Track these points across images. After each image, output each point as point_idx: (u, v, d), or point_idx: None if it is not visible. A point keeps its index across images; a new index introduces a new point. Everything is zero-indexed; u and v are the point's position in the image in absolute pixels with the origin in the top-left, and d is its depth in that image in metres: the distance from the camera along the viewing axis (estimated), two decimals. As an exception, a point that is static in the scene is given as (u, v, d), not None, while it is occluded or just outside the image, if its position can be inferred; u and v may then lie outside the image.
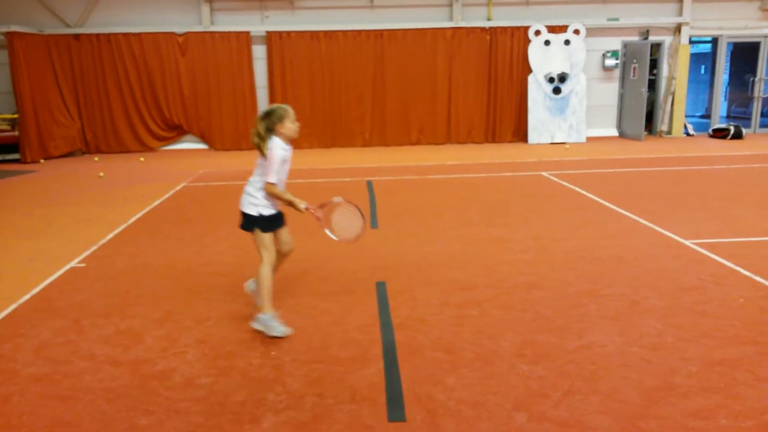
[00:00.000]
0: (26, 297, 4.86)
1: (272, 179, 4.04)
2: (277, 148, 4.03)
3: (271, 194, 4.11)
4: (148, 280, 5.23)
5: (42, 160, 13.17)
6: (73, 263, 5.74)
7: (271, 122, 4.05)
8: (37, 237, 6.78)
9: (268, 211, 4.15)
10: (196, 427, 3.01)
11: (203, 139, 14.70)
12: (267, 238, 4.16)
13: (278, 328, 4.03)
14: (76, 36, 13.86)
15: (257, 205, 4.12)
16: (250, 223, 4.17)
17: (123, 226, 7.11)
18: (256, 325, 4.10)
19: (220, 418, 3.08)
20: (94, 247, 6.26)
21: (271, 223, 4.20)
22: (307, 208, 4.14)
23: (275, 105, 4.15)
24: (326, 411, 3.12)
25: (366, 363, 3.63)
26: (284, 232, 4.34)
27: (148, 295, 4.87)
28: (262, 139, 4.05)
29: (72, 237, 6.72)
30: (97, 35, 13.89)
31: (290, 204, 4.13)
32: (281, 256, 4.37)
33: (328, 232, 4.36)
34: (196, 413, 3.13)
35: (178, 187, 9.60)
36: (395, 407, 3.13)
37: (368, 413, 3.09)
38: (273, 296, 4.12)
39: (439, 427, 2.95)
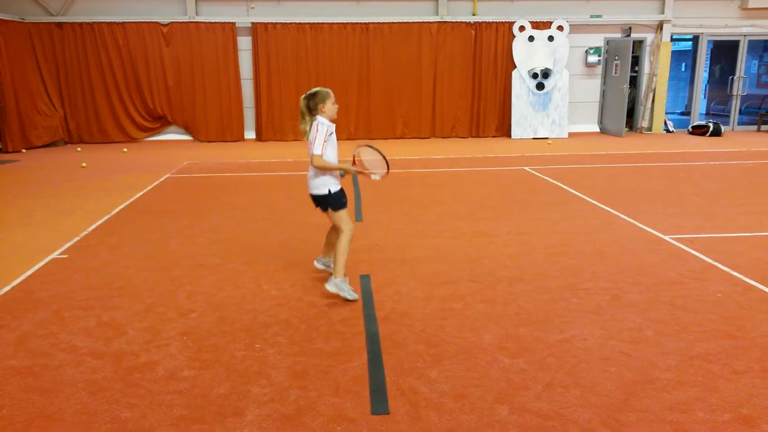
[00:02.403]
0: (7, 288, 4.81)
1: (318, 151, 4.32)
2: (323, 123, 4.37)
3: (319, 166, 4.39)
4: (130, 272, 5.20)
5: (24, 150, 12.98)
6: (55, 254, 5.68)
7: (314, 103, 4.37)
8: (19, 228, 6.70)
9: (335, 187, 4.49)
10: (179, 420, 3.01)
11: (187, 130, 14.59)
12: (342, 213, 4.51)
13: (350, 292, 4.47)
14: (59, 24, 13.66)
15: (325, 183, 4.46)
16: (322, 203, 4.54)
17: (106, 218, 7.05)
18: (330, 287, 4.47)
19: (203, 411, 3.08)
20: (77, 238, 6.20)
21: (342, 197, 4.53)
22: (354, 165, 4.55)
23: (318, 88, 4.46)
24: (310, 404, 3.14)
25: (350, 356, 3.65)
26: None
27: (131, 287, 4.84)
28: (306, 117, 4.42)
29: (54, 228, 6.65)
30: (81, 24, 13.70)
31: (341, 170, 4.50)
32: (335, 231, 4.69)
33: (374, 176, 4.62)
34: (180, 406, 3.13)
35: (161, 179, 9.53)
36: (378, 400, 3.16)
37: (352, 406, 3.11)
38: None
39: (422, 420, 2.98)
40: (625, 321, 4.11)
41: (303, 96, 4.43)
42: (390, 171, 4.63)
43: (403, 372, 3.45)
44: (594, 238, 6.05)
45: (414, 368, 3.49)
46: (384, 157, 4.61)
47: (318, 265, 4.99)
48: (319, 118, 4.38)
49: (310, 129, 4.40)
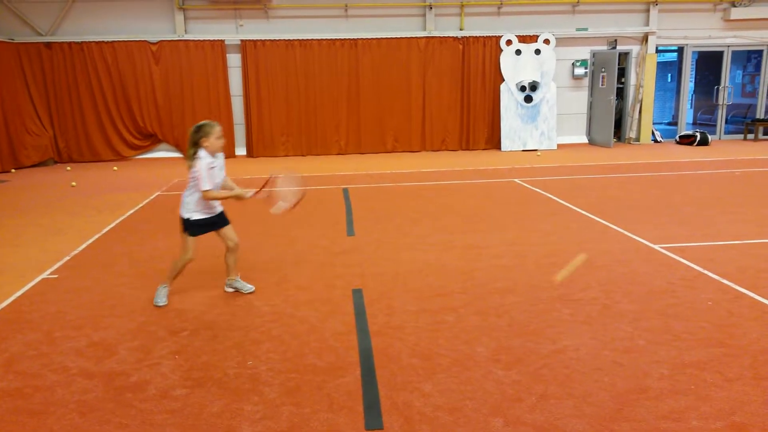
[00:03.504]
0: (-4, 310, 4.77)
1: (206, 186, 4.50)
2: (203, 158, 4.50)
3: (211, 198, 4.57)
4: (121, 291, 5.17)
5: (13, 170, 12.92)
6: (45, 274, 5.65)
7: (197, 137, 4.52)
8: (8, 248, 6.65)
9: (196, 216, 4.66)
10: (172, 439, 2.98)
11: (178, 147, 14.56)
12: (190, 241, 4.71)
13: (162, 298, 4.80)
14: (48, 44, 13.66)
15: (188, 209, 4.66)
16: (183, 224, 4.72)
17: (96, 236, 7.01)
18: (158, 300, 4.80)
19: (196, 430, 3.06)
20: (67, 258, 6.17)
21: (199, 228, 4.70)
22: (255, 194, 4.65)
23: (205, 121, 4.59)
24: (303, 420, 3.12)
25: (343, 371, 3.64)
26: (228, 230, 4.87)
27: (122, 306, 4.81)
28: (190, 151, 4.57)
29: (44, 248, 6.61)
30: (69, 43, 13.71)
31: (237, 197, 4.63)
32: (229, 252, 4.93)
33: (280, 204, 4.72)
34: (172, 425, 3.11)
35: (152, 196, 9.50)
36: (373, 415, 3.15)
37: (345, 421, 3.10)
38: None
39: (417, 434, 2.97)
40: (617, 330, 4.12)
41: (192, 127, 4.59)
42: (296, 206, 4.80)
43: (397, 386, 3.44)
44: (585, 249, 6.08)
45: (407, 382, 3.48)
46: (299, 191, 4.82)
47: (228, 290, 5.10)
48: (200, 153, 4.51)
49: (193, 162, 4.53)
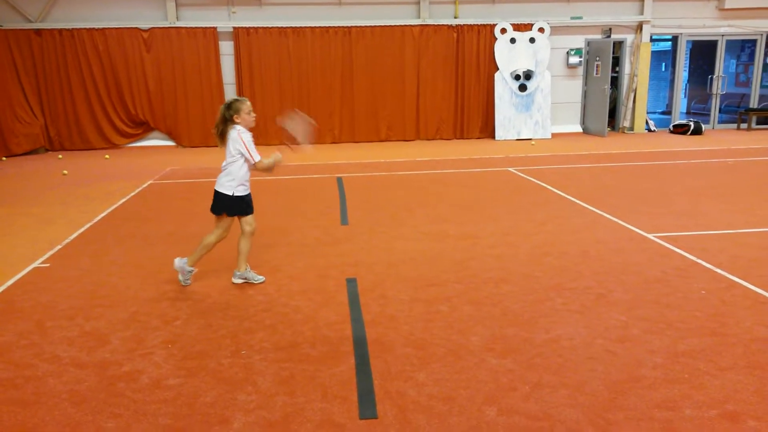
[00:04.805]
0: (-14, 299, 4.73)
1: (258, 157, 4.63)
2: (245, 131, 4.62)
3: (263, 168, 4.68)
4: (113, 280, 5.14)
5: (4, 158, 12.80)
6: (37, 263, 5.60)
7: (229, 113, 4.58)
8: (-3, 237, 6.60)
9: (241, 191, 4.72)
10: (164, 430, 2.97)
11: (170, 135, 14.47)
12: (226, 221, 4.80)
13: (256, 276, 4.94)
14: (38, 31, 13.49)
15: (231, 186, 4.69)
16: (224, 204, 4.75)
17: (88, 225, 6.97)
18: (237, 280, 4.92)
19: (189, 420, 3.05)
20: (59, 247, 6.12)
21: (247, 205, 4.79)
22: (283, 149, 4.79)
23: (235, 96, 4.72)
24: (297, 410, 3.11)
25: (337, 360, 3.63)
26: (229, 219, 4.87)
27: (114, 296, 4.78)
28: (222, 126, 4.63)
29: (35, 237, 6.55)
30: (60, 30, 13.54)
31: (278, 163, 4.76)
32: (245, 237, 4.91)
33: (305, 147, 4.86)
34: (165, 415, 3.09)
35: (144, 185, 9.44)
36: (367, 404, 3.14)
37: (339, 411, 3.09)
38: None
39: (411, 423, 2.97)
40: (610, 320, 4.13)
41: (222, 105, 4.66)
42: (313, 130, 4.88)
43: (391, 375, 3.43)
44: (579, 238, 6.08)
45: (402, 371, 3.47)
46: (304, 118, 4.85)
47: (236, 281, 5.02)
48: (237, 127, 4.60)
49: (226, 137, 4.61)
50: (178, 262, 4.89)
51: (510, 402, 3.13)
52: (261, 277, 4.99)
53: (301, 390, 3.30)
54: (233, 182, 4.68)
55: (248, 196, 4.80)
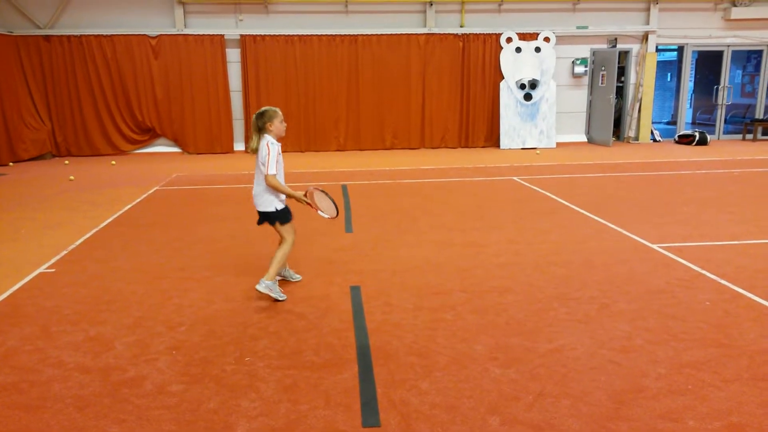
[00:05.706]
0: (-7, 303, 4.76)
1: (272, 170, 4.54)
2: (273, 143, 4.58)
3: (271, 185, 4.57)
4: (119, 285, 5.16)
5: (11, 163, 12.88)
6: (42, 268, 5.63)
7: (262, 122, 4.58)
8: (5, 242, 6.63)
9: (281, 205, 4.71)
10: (168, 435, 2.98)
11: (176, 142, 14.54)
12: (287, 226, 4.77)
13: (279, 294, 4.71)
14: (47, 37, 13.62)
15: (272, 202, 4.68)
16: (270, 218, 4.74)
17: (93, 231, 7.00)
18: (262, 288, 4.62)
19: (192, 426, 3.06)
20: (64, 252, 6.15)
21: (289, 213, 4.78)
22: (304, 195, 4.76)
23: (267, 107, 4.68)
24: (300, 417, 3.12)
25: (340, 368, 3.64)
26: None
27: (119, 301, 4.80)
28: (255, 135, 4.62)
29: (41, 242, 6.59)
30: (68, 37, 13.66)
31: (290, 196, 4.70)
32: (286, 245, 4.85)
33: (321, 213, 4.87)
34: (168, 421, 3.10)
35: (150, 191, 9.48)
36: (370, 412, 3.14)
37: (343, 419, 3.10)
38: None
39: (414, 432, 2.97)
40: (614, 330, 4.12)
41: (254, 114, 4.66)
42: (338, 216, 4.93)
43: (394, 384, 3.43)
44: (583, 248, 6.08)
45: (405, 380, 3.48)
46: (335, 204, 4.89)
47: (260, 288, 4.86)
48: (267, 137, 4.59)
49: (258, 147, 4.60)
50: (262, 287, 4.62)
51: (513, 411, 3.13)
52: (284, 295, 4.76)
53: (305, 397, 3.31)
54: (271, 196, 4.66)
55: (287, 207, 4.79)
